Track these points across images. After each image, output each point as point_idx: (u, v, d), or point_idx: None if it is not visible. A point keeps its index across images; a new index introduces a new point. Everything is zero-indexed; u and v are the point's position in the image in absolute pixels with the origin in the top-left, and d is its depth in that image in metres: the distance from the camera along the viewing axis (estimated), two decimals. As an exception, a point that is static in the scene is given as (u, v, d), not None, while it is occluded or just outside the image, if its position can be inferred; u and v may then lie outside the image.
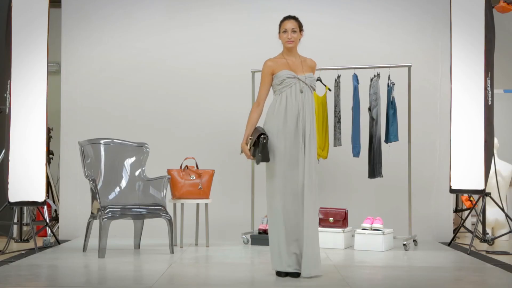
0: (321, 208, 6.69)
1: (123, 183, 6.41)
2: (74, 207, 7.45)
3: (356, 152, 6.79)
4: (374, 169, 6.72)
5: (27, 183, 6.33)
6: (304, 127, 4.93)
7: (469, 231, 7.12)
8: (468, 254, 6.21)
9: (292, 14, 5.14)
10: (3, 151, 6.52)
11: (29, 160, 6.34)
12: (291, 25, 5.03)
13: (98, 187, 6.17)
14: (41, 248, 6.42)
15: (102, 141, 6.45)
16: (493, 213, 7.32)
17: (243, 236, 6.86)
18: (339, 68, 6.89)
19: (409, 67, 6.77)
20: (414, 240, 6.69)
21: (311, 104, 5.01)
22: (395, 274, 5.23)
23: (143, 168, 6.48)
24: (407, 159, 6.75)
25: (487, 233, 6.99)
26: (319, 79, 6.88)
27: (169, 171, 6.60)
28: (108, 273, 5.18)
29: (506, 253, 6.37)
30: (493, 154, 6.72)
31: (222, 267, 5.48)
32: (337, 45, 7.51)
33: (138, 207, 6.09)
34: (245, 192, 7.27)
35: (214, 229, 7.08)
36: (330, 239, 6.55)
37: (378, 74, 6.77)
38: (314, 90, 5.09)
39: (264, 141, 4.88)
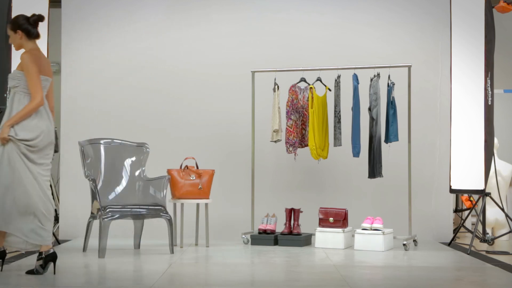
0: (321, 208, 6.69)
1: (123, 183, 6.41)
2: (74, 207, 7.44)
3: (356, 152, 6.78)
4: (374, 169, 6.71)
5: (27, 183, 6.31)
6: None
7: (469, 231, 7.12)
8: (468, 254, 6.21)
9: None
10: (3, 151, 6.51)
11: (29, 160, 6.33)
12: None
13: (98, 187, 6.16)
14: (41, 248, 6.40)
15: (102, 141, 6.45)
16: (493, 213, 7.31)
17: (243, 236, 6.86)
18: (339, 68, 6.89)
19: (409, 67, 6.77)
20: (414, 240, 6.69)
21: (14, 105, 4.89)
22: (395, 274, 5.23)
23: (143, 168, 6.47)
24: (407, 159, 6.75)
25: (487, 233, 6.99)
26: (319, 79, 6.89)
27: (169, 171, 6.60)
28: (108, 273, 5.18)
29: (506, 253, 6.36)
30: (493, 154, 6.72)
31: (222, 267, 5.48)
32: (337, 45, 7.51)
33: (138, 207, 6.09)
34: (245, 192, 7.26)
35: (214, 229, 7.08)
36: (330, 239, 6.55)
37: (378, 74, 6.76)
38: (15, 87, 4.90)
39: None
